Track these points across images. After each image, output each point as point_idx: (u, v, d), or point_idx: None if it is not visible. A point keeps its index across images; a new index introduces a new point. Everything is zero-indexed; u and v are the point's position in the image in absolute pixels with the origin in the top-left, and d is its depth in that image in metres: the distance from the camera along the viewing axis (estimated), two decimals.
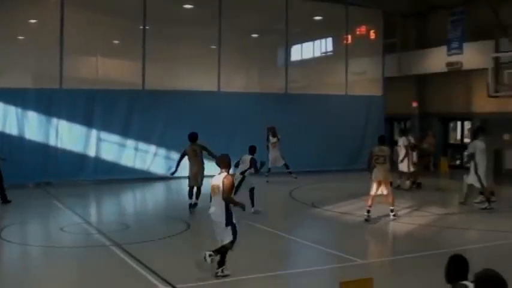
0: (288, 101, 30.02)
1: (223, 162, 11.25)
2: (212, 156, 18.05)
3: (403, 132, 24.65)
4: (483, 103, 29.43)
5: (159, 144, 27.13)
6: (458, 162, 33.23)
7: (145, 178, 26.33)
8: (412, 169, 23.40)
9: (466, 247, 13.14)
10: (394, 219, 17.14)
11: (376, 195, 17.10)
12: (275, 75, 31.99)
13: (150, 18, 27.10)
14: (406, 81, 34.33)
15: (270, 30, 32.81)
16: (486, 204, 19.08)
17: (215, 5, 28.40)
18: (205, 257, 10.59)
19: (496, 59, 25.96)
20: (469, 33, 30.05)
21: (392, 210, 17.27)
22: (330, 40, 36.25)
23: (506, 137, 29.59)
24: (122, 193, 24.00)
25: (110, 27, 27.10)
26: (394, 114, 35.63)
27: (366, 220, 16.84)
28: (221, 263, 10.90)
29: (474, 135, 20.64)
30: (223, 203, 10.87)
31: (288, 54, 31.97)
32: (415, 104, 34.57)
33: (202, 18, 29.12)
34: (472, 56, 29.35)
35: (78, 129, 25.89)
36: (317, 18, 33.00)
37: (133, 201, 23.58)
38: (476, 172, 19.14)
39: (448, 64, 30.51)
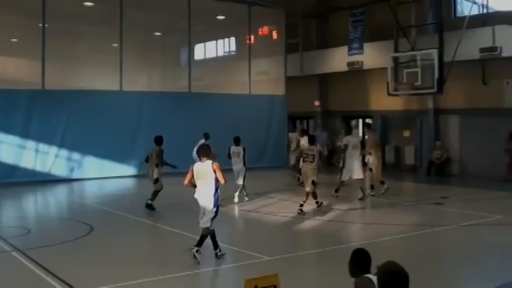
0: (192, 101, 29.90)
1: (207, 152, 12.17)
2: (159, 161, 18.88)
3: (304, 132, 25.54)
4: (384, 101, 30.12)
5: (61, 145, 26.53)
6: (360, 158, 33.93)
7: (47, 180, 25.70)
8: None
9: (369, 241, 13.37)
10: (298, 214, 17.52)
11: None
12: (178, 74, 31.86)
13: (50, 15, 26.48)
14: (309, 80, 34.80)
15: (172, 28, 32.70)
16: (335, 194, 20.88)
17: (116, 3, 27.98)
18: (194, 255, 11.51)
19: (395, 59, 26.56)
20: (369, 33, 30.73)
21: (301, 205, 17.75)
22: (233, 40, 36.43)
23: (406, 133, 30.41)
24: (23, 196, 23.27)
25: (8, 24, 26.49)
26: (297, 113, 36.10)
27: (318, 208, 18.25)
28: (200, 243, 11.77)
29: (348, 130, 22.81)
30: (211, 188, 11.81)
31: (191, 53, 31.85)
32: (317, 103, 35.13)
33: (103, 15, 28.70)
34: (372, 55, 30.00)
35: None
36: (220, 17, 33.06)
37: (35, 204, 22.93)
38: (343, 165, 20.66)
39: (349, 64, 31.08)
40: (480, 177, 25.64)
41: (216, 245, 11.99)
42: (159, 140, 19.07)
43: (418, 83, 25.33)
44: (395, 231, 15.41)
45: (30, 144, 25.99)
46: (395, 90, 26.50)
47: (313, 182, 18.05)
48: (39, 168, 26.17)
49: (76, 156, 27.01)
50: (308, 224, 16.70)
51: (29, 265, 11.75)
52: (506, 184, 24.06)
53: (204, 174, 11.86)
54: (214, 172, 11.80)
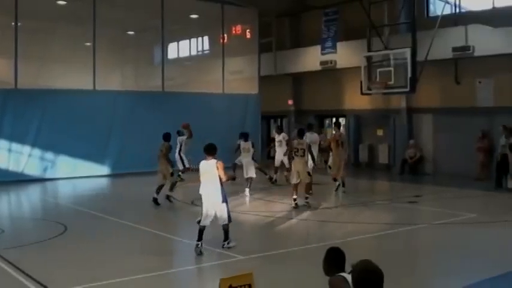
0: (165, 100, 29.80)
1: (213, 150, 12.86)
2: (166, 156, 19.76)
3: (280, 129, 25.78)
4: (357, 100, 30.26)
5: (34, 145, 26.32)
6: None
7: (20, 180, 25.48)
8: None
9: (344, 240, 13.40)
10: (307, 205, 18.45)
11: (297, 184, 18.47)
12: (152, 73, 31.75)
13: (22, 14, 26.25)
14: (282, 79, 34.85)
15: (146, 27, 32.59)
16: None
17: (89, 1, 27.80)
18: (225, 246, 12.76)
19: (368, 58, 26.65)
20: (342, 33, 30.84)
21: (307, 198, 18.65)
22: (206, 38, 36.40)
23: (379, 132, 30.58)
24: None
25: None
26: (271, 112, 36.14)
27: (295, 207, 18.24)
28: (226, 238, 12.86)
29: (308, 128, 22.75)
30: (217, 184, 12.64)
31: (164, 52, 31.76)
32: (290, 102, 35.19)
33: (76, 14, 28.52)
34: (345, 55, 30.11)
35: None
36: (193, 16, 32.97)
37: (8, 204, 22.67)
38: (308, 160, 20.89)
39: (322, 63, 31.15)
40: (453, 175, 25.83)
41: (226, 237, 12.88)
42: (167, 137, 20.00)
43: (391, 82, 25.43)
44: (369, 230, 15.47)
45: (3, 143, 25.76)
46: (369, 89, 26.59)
47: (309, 173, 18.84)
48: (12, 168, 25.94)
49: (49, 155, 26.82)
50: (282, 223, 16.72)
51: (3, 265, 11.65)
52: (479, 183, 24.28)
53: (209, 172, 12.66)
54: (218, 169, 12.59)
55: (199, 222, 12.77)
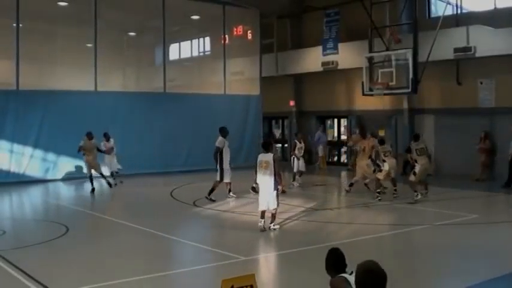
0: (167, 101, 29.84)
1: (270, 146, 15.59)
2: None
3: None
4: (359, 101, 30.25)
5: (35, 146, 26.37)
6: (336, 158, 34.34)
7: (22, 181, 25.50)
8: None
9: (345, 241, 13.39)
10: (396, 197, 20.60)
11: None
12: (153, 74, 31.77)
13: (24, 15, 26.30)
14: (284, 80, 34.84)
15: (147, 28, 32.62)
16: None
17: (90, 3, 27.85)
18: (271, 229, 14.95)
19: (370, 59, 26.62)
20: (344, 33, 30.81)
21: (396, 190, 21.14)
22: (207, 40, 36.41)
23: (381, 133, 30.50)
24: None
25: None
26: (272, 113, 36.16)
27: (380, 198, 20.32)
28: (272, 220, 15.09)
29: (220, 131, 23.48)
30: (272, 174, 14.71)
31: (165, 53, 31.75)
32: (292, 103, 35.19)
33: (78, 15, 28.53)
34: (347, 55, 30.08)
35: None
36: (194, 17, 33.00)
37: (10, 205, 22.71)
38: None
39: (324, 64, 31.13)
40: (455, 176, 25.82)
41: (273, 220, 15.10)
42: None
43: (393, 83, 25.41)
44: (370, 230, 15.47)
45: (5, 145, 25.82)
46: (370, 90, 26.56)
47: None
48: (14, 169, 26.00)
49: (51, 156, 26.84)
50: (284, 224, 16.69)
51: (4, 266, 11.65)
52: (480, 183, 24.26)
53: (266, 162, 14.77)
54: (274, 162, 14.72)
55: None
